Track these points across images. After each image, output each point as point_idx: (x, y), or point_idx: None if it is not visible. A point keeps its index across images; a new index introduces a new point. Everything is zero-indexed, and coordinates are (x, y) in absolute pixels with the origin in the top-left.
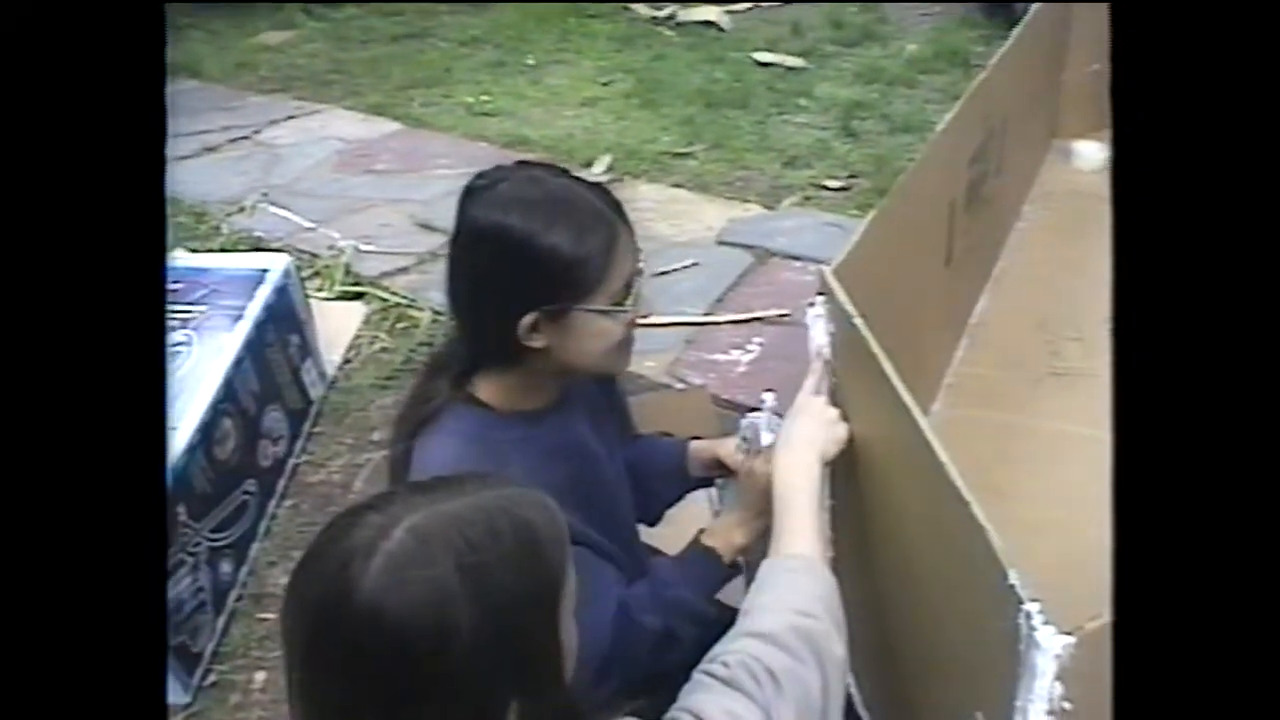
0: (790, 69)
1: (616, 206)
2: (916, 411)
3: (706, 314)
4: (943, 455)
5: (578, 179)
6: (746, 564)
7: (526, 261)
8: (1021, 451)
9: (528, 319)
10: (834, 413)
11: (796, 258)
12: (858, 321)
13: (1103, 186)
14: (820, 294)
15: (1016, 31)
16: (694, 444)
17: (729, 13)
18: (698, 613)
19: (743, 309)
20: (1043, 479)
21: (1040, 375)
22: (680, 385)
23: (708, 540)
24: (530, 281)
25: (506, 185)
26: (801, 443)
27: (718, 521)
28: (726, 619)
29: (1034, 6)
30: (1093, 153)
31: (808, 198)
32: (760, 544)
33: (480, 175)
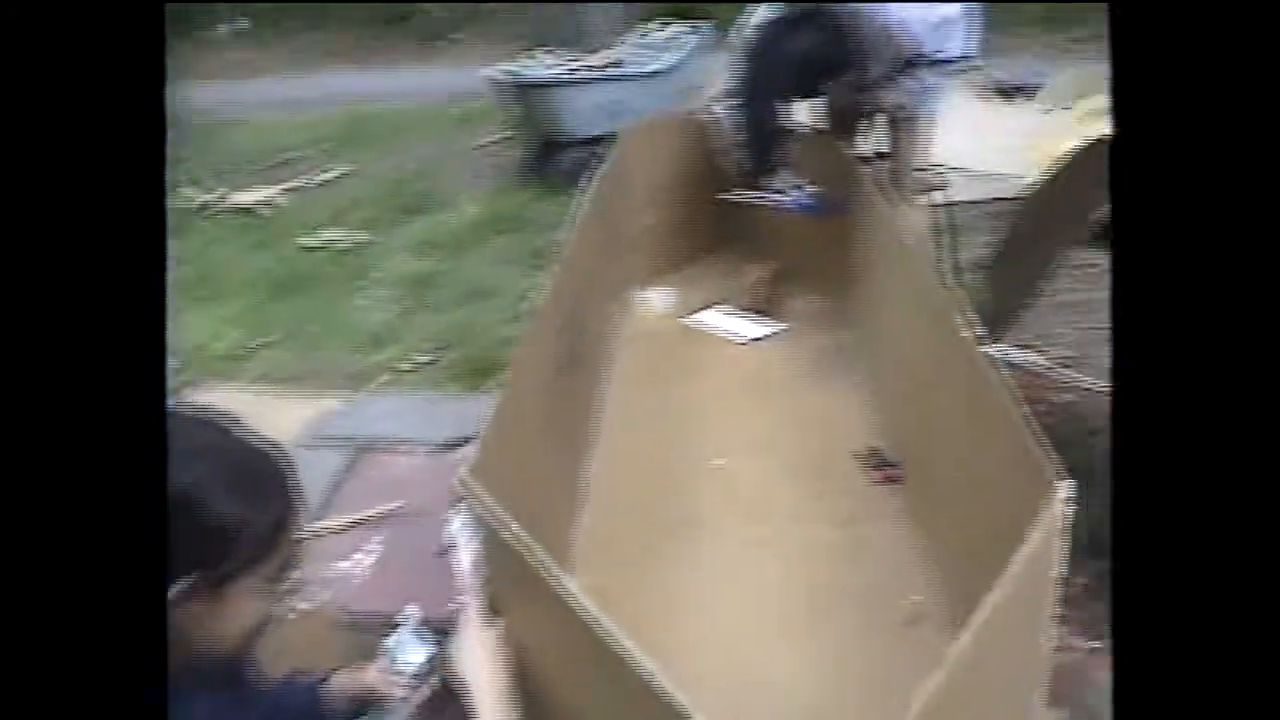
0: (346, 249)
1: (292, 470)
2: (579, 599)
3: (312, 523)
4: (609, 625)
5: (251, 437)
6: None
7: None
8: (669, 597)
9: (181, 584)
10: (497, 635)
11: (402, 441)
12: (502, 522)
13: (676, 326)
14: (460, 499)
15: (584, 199)
16: (335, 679)
17: (285, 191)
18: None
19: (352, 510)
20: (701, 609)
21: (669, 524)
22: (292, 613)
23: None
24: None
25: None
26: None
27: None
28: None
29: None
30: (662, 298)
31: (398, 375)
32: None
33: None
